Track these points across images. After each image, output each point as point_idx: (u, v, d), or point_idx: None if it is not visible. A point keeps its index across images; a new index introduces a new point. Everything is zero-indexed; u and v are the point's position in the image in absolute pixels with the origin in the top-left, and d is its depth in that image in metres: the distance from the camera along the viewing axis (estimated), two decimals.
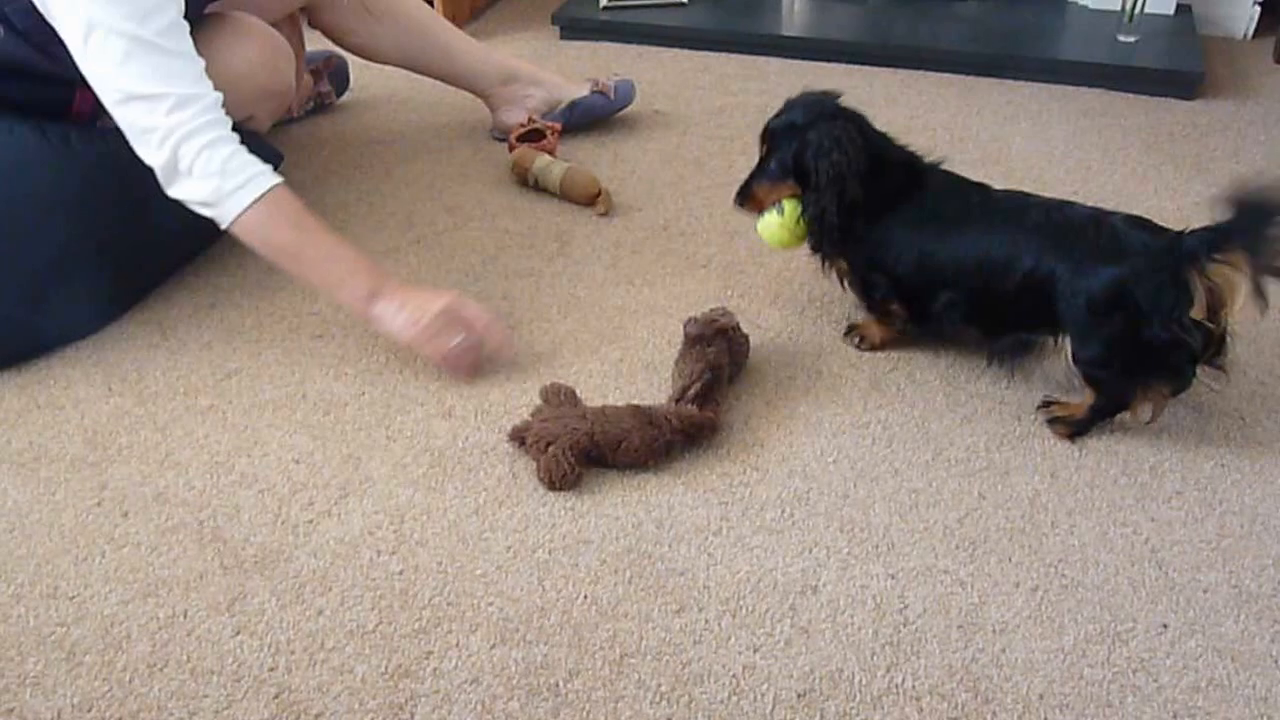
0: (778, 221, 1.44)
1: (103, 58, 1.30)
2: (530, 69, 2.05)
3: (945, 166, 1.46)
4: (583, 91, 2.05)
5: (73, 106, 1.56)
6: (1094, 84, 2.29)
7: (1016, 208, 1.38)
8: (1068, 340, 1.33)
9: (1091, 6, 2.54)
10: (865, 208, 1.39)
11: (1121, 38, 2.36)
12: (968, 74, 2.35)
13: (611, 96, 2.06)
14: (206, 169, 1.32)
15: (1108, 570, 1.19)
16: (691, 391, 1.36)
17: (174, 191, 1.35)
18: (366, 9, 1.90)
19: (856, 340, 1.53)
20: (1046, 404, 1.41)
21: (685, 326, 1.43)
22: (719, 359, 1.39)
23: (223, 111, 1.36)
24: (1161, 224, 1.32)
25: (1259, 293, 1.20)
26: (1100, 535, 1.23)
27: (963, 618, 1.14)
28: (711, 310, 1.45)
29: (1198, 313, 1.22)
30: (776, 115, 1.45)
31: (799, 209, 1.42)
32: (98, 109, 1.58)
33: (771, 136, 1.44)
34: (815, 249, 1.48)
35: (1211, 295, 1.21)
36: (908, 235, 1.41)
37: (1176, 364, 1.27)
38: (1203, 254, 1.21)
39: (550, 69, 2.12)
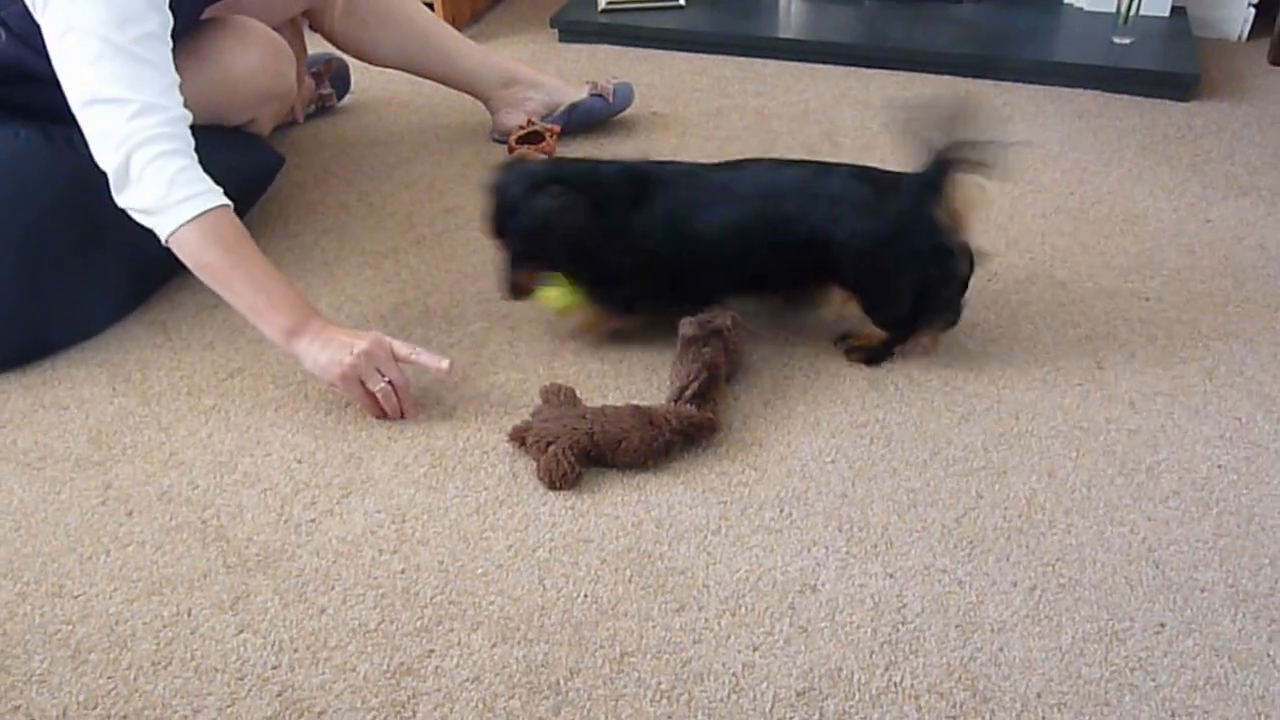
0: (557, 292, 1.44)
1: (75, 58, 1.29)
2: (529, 72, 2.06)
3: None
4: (582, 94, 2.06)
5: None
6: (1089, 85, 2.30)
7: (760, 174, 1.45)
8: (857, 297, 1.45)
9: (1087, 8, 2.55)
10: (612, 231, 1.42)
11: (1117, 39, 2.37)
12: (963, 75, 2.36)
13: (610, 99, 2.07)
14: (156, 177, 1.30)
15: (1105, 569, 1.20)
16: (689, 391, 1.37)
17: (122, 199, 1.33)
18: (367, 13, 1.90)
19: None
20: (844, 337, 1.51)
21: (681, 327, 1.44)
22: (715, 358, 1.40)
23: (187, 129, 1.34)
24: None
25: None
26: (1097, 535, 1.24)
27: (961, 616, 1.14)
28: (707, 311, 1.46)
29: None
30: (490, 201, 1.44)
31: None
32: None
33: (496, 226, 1.44)
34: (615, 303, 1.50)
35: (954, 219, 1.38)
36: (660, 233, 1.43)
37: (950, 298, 1.45)
38: (940, 190, 1.36)
39: (549, 72, 2.13)
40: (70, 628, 1.15)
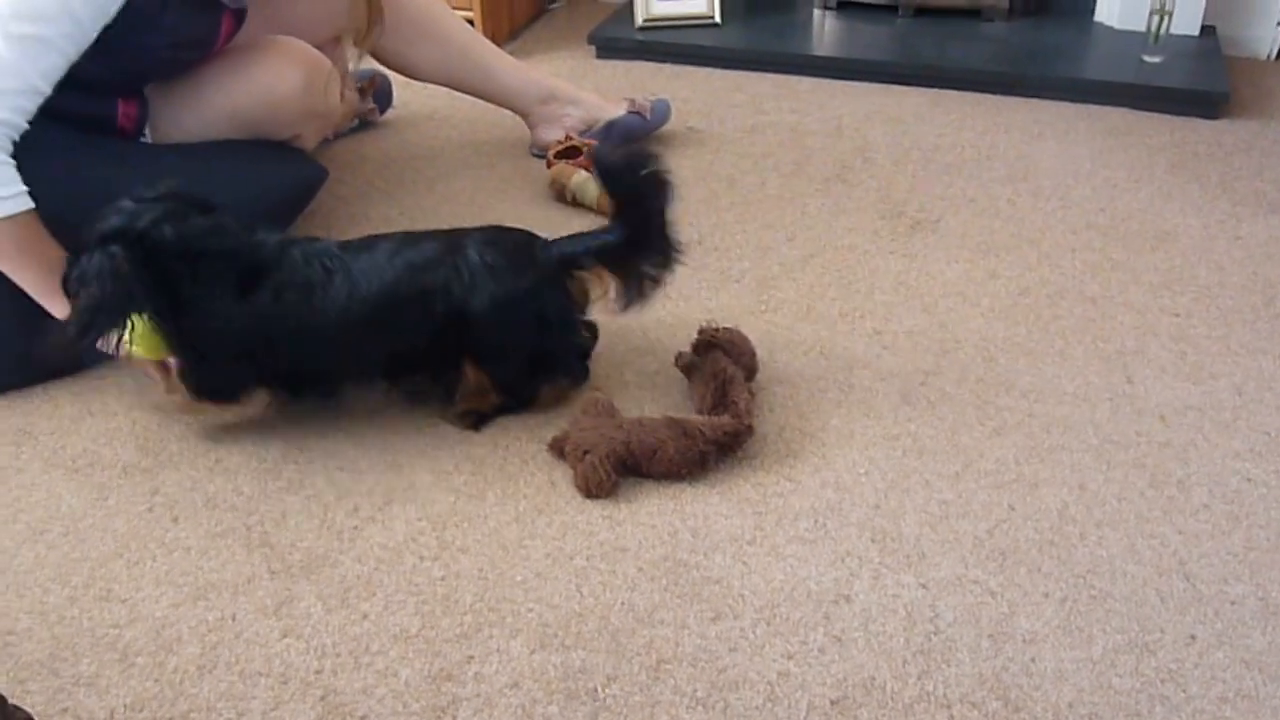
0: (140, 343, 1.33)
1: None
2: (568, 88, 2.09)
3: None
4: (620, 111, 2.09)
5: (117, 121, 1.61)
6: (1120, 103, 2.31)
7: (394, 250, 1.38)
8: (479, 362, 1.41)
9: (1117, 27, 2.56)
10: (204, 311, 1.32)
11: (1147, 58, 2.38)
12: (995, 93, 2.37)
13: (647, 117, 2.09)
14: None
15: (1136, 582, 1.20)
16: (708, 402, 1.40)
17: None
18: (409, 29, 1.94)
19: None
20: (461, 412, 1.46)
21: (676, 363, 1.49)
22: (720, 366, 1.42)
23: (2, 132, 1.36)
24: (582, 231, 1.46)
25: (627, 293, 1.42)
26: (1128, 547, 1.25)
27: (993, 627, 1.16)
28: (697, 336, 1.49)
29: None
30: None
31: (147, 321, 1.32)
32: (141, 121, 1.63)
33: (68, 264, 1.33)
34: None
35: (580, 295, 1.43)
36: (273, 318, 1.34)
37: (571, 362, 1.47)
38: (574, 265, 1.41)
39: (587, 88, 2.16)
40: (118, 631, 1.18)
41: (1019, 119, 2.27)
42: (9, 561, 1.26)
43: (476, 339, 1.39)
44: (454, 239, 1.41)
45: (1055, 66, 2.40)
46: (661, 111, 2.12)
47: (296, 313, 1.34)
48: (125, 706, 1.10)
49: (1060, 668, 1.11)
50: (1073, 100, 2.34)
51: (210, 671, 1.13)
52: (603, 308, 1.45)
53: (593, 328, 1.51)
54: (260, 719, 1.08)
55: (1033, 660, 1.12)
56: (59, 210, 1.50)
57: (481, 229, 1.45)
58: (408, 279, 1.36)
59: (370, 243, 1.40)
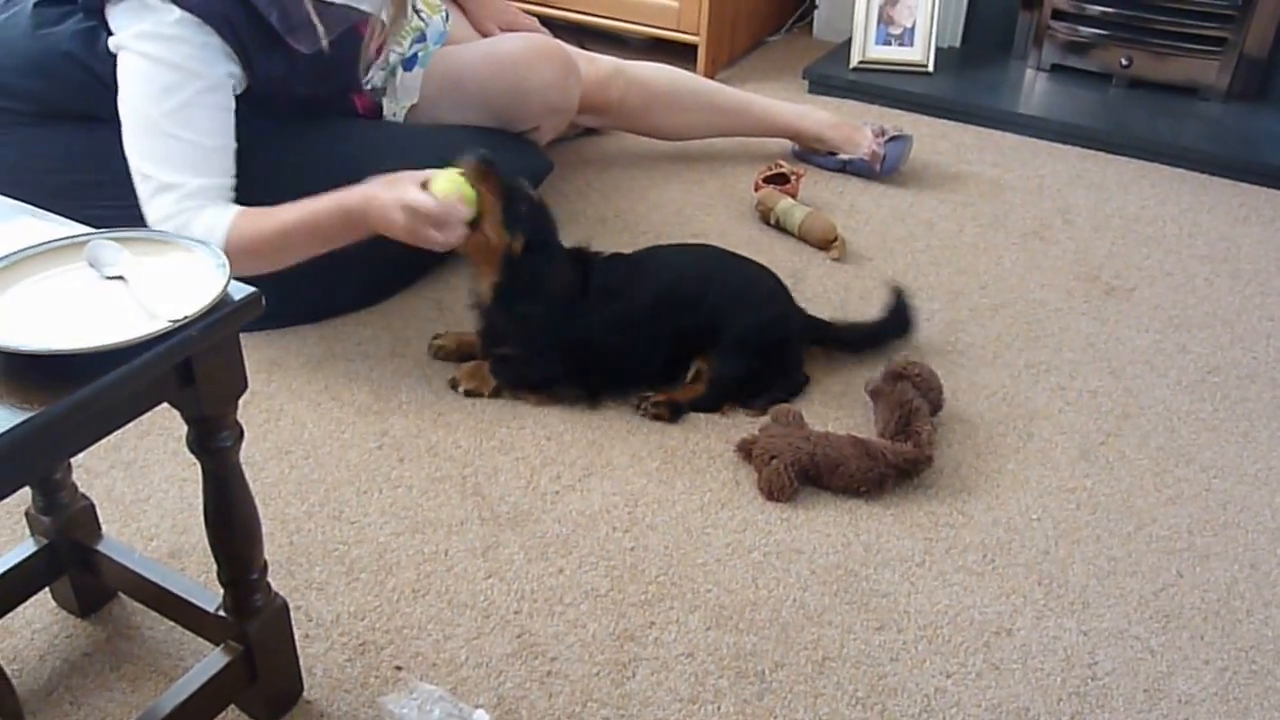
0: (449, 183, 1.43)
1: (122, 124, 1.44)
2: (814, 128, 2.23)
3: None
4: (855, 155, 2.21)
5: (356, 111, 1.78)
6: None
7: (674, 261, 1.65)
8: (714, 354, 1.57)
9: None
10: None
11: None
12: (1202, 171, 2.36)
13: (878, 169, 2.20)
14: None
15: None
16: (890, 428, 1.47)
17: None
18: (664, 109, 2.15)
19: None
20: (644, 398, 1.57)
21: (865, 387, 1.57)
22: (906, 396, 1.49)
23: (201, 199, 1.44)
24: None
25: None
26: None
27: (1150, 683, 1.20)
28: (888, 367, 1.57)
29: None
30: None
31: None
32: (377, 107, 1.80)
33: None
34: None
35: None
36: (597, 308, 1.54)
37: (774, 397, 1.57)
38: (818, 335, 1.67)
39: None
40: (346, 548, 1.33)
41: (1224, 200, 2.26)
42: (257, 473, 1.43)
43: (727, 336, 1.56)
44: (737, 257, 1.66)
45: (1269, 153, 2.37)
46: (891, 164, 2.20)
47: (613, 309, 1.54)
48: (349, 614, 1.25)
49: None
50: None
51: (423, 596, 1.27)
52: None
53: (806, 378, 1.64)
54: (463, 644, 1.21)
55: None
56: (315, 179, 1.66)
57: (759, 264, 1.68)
58: (695, 279, 1.59)
59: (651, 251, 1.67)
